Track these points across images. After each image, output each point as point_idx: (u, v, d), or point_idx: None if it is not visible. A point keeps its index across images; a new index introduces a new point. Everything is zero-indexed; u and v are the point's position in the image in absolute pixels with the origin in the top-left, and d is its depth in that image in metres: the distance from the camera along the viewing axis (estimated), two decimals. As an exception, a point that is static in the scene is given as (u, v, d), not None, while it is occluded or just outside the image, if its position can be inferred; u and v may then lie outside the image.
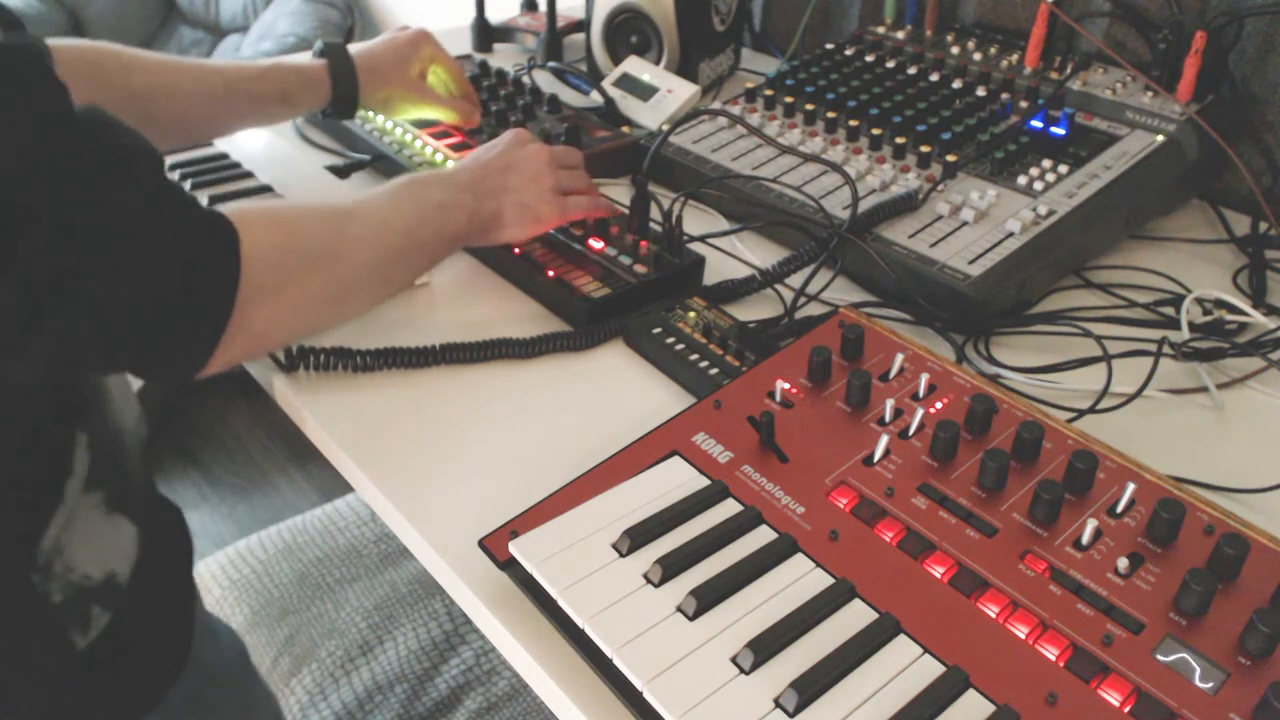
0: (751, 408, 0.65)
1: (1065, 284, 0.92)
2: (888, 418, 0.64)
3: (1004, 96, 1.08)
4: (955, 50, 1.17)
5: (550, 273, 0.84)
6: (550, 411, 0.73)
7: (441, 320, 0.83)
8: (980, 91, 1.09)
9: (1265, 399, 0.77)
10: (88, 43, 0.79)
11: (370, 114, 1.07)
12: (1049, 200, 0.91)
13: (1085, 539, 0.54)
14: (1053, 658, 0.49)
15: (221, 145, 1.07)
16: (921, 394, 0.66)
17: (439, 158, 1.01)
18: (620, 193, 1.03)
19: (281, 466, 2.26)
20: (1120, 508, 0.56)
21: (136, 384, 0.76)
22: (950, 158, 0.98)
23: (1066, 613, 0.51)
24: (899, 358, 0.68)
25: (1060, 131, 1.01)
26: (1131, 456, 0.60)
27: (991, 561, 0.54)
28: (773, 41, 1.50)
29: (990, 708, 0.47)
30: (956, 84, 1.11)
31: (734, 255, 0.94)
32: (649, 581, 0.53)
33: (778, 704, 0.47)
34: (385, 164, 1.04)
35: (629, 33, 1.28)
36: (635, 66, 1.24)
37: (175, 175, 0.99)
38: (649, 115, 1.18)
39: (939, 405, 0.65)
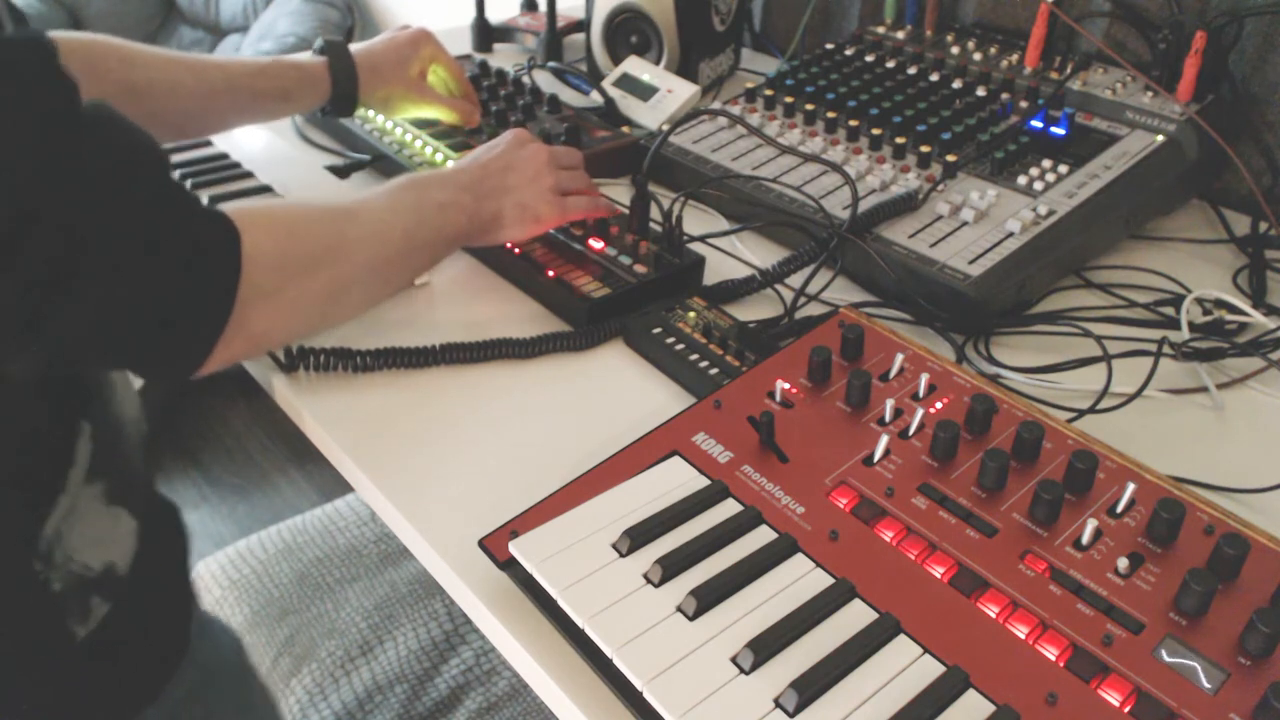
0: (751, 408, 0.65)
1: (1065, 284, 0.92)
2: (888, 418, 0.64)
3: (1004, 96, 1.08)
4: (955, 50, 1.17)
5: (550, 273, 0.84)
6: (550, 411, 0.73)
7: (441, 320, 0.83)
8: (980, 91, 1.09)
9: (1265, 399, 0.77)
10: (88, 36, 0.79)
11: (370, 113, 1.07)
12: (1049, 200, 0.91)
13: (1085, 539, 0.54)
14: (1053, 658, 0.49)
15: (221, 145, 1.07)
16: (921, 394, 0.66)
17: (439, 158, 1.01)
18: (620, 193, 1.03)
19: (281, 466, 2.26)
20: (1120, 508, 0.56)
21: (138, 382, 0.76)
22: (950, 158, 0.98)
23: (1066, 613, 0.51)
24: (899, 358, 0.68)
25: (1060, 131, 1.01)
26: (1131, 456, 0.60)
27: (991, 561, 0.54)
28: (773, 41, 1.50)
29: (990, 708, 0.47)
30: (956, 84, 1.11)
31: (734, 255, 0.94)
32: (649, 581, 0.53)
33: (778, 704, 0.47)
34: (385, 164, 1.04)
35: (629, 33, 1.28)
36: (635, 66, 1.24)
37: (175, 175, 0.99)
38: (649, 115, 1.18)
39: (939, 405, 0.65)
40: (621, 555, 0.55)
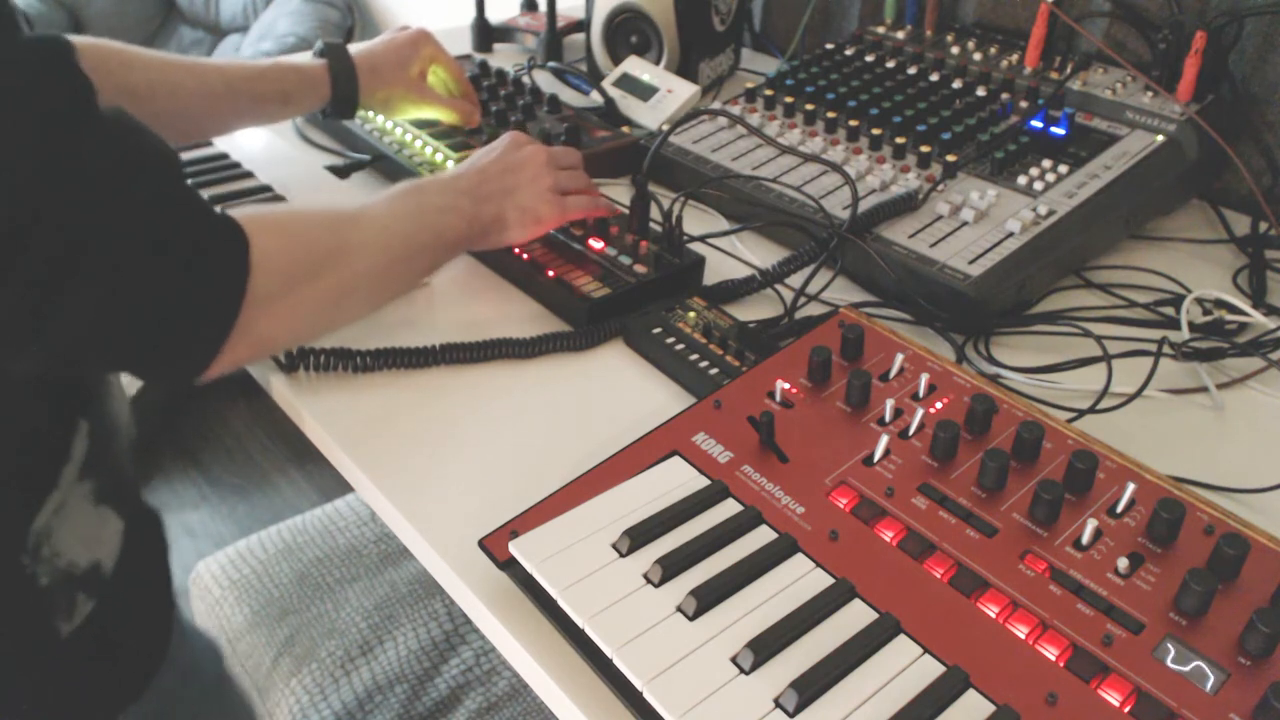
0: (751, 408, 0.65)
1: (1065, 284, 0.92)
2: (888, 418, 0.64)
3: (1004, 96, 1.08)
4: (955, 50, 1.17)
5: (550, 273, 0.84)
6: (550, 411, 0.73)
7: (441, 320, 0.83)
8: (980, 91, 1.09)
9: (1265, 399, 0.77)
10: (88, 39, 0.79)
11: (370, 114, 1.07)
12: (1049, 200, 0.91)
13: (1085, 539, 0.54)
14: (1053, 658, 0.49)
15: (221, 145, 1.07)
16: (921, 394, 0.66)
17: (439, 158, 1.01)
18: (620, 193, 1.03)
19: (281, 466, 2.26)
20: (1120, 508, 0.56)
21: (134, 386, 0.77)
22: (950, 158, 0.98)
23: (1066, 613, 0.51)
24: (899, 358, 0.68)
25: (1060, 131, 1.01)
26: (1131, 456, 0.60)
27: (991, 561, 0.54)
28: (773, 41, 1.50)
29: (990, 708, 0.47)
30: (956, 84, 1.11)
31: (734, 255, 0.94)
32: (649, 581, 0.53)
33: (778, 704, 0.47)
34: (385, 164, 1.04)
35: (629, 33, 1.28)
36: (635, 66, 1.24)
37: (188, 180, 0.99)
38: (649, 115, 1.18)
39: (939, 405, 0.65)
40: (621, 555, 0.55)
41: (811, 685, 0.47)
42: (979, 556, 0.54)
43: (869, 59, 1.19)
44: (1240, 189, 1.04)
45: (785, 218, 0.93)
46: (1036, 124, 1.03)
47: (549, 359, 0.78)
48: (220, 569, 1.34)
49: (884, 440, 0.61)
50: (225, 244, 0.58)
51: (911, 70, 1.16)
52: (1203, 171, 1.00)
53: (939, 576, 0.53)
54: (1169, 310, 0.87)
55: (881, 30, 1.24)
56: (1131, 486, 0.57)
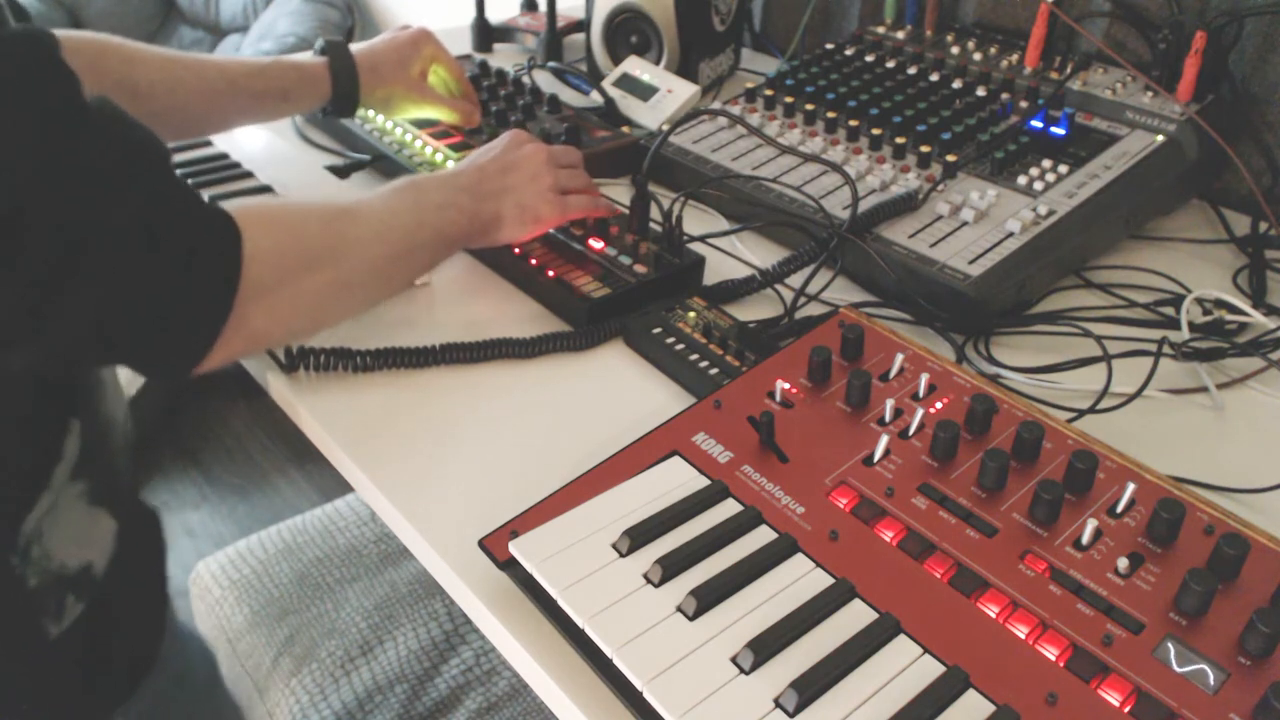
0: (751, 408, 0.65)
1: (1065, 284, 0.92)
2: (888, 418, 0.64)
3: (1004, 96, 1.08)
4: (955, 50, 1.17)
5: (550, 273, 0.84)
6: (550, 411, 0.73)
7: (441, 320, 0.83)
8: (980, 91, 1.09)
9: (1265, 399, 0.77)
10: (88, 34, 0.79)
11: (370, 113, 1.07)
12: (1049, 200, 0.91)
13: (1085, 539, 0.54)
14: (1053, 658, 0.49)
15: (221, 145, 1.07)
16: (921, 394, 0.66)
17: (439, 158, 1.01)
18: (620, 193, 1.03)
19: (281, 466, 2.26)
20: (1120, 508, 0.56)
21: (133, 386, 0.76)
22: (950, 158, 0.97)
23: (1066, 613, 0.51)
24: (899, 358, 0.68)
25: (1060, 131, 1.01)
26: (1131, 456, 0.60)
27: (991, 561, 0.54)
28: (773, 41, 1.50)
29: (990, 708, 0.47)
30: (956, 84, 1.11)
31: (734, 255, 0.94)
32: (649, 581, 0.53)
33: (778, 704, 0.47)
34: (385, 164, 1.04)
35: (629, 33, 1.28)
36: (635, 66, 1.24)
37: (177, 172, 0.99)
38: (649, 115, 1.18)
39: (939, 405, 0.65)
40: (621, 555, 0.55)
41: (811, 685, 0.47)
42: (979, 556, 0.54)
43: (869, 59, 1.19)
44: (1240, 189, 1.04)
45: (785, 218, 0.93)
46: (1036, 124, 1.03)
47: (549, 359, 0.78)
48: (220, 569, 1.34)
49: (884, 440, 0.61)
50: (217, 236, 0.58)
51: (911, 70, 1.16)
52: (1203, 171, 1.00)
53: (939, 576, 0.53)
54: (1169, 310, 0.87)
55: (881, 30, 1.24)
56: (1131, 486, 0.57)
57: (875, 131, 1.01)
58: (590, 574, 0.53)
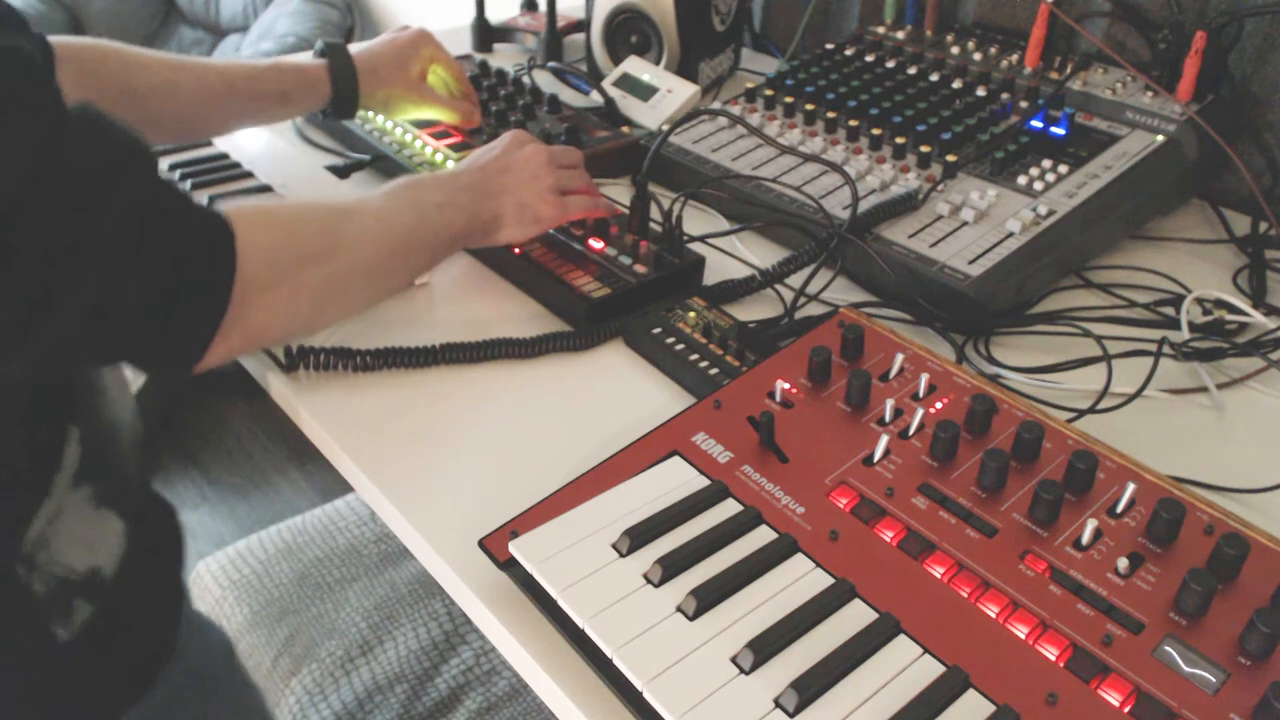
0: (751, 408, 0.65)
1: (1065, 284, 0.92)
2: (888, 418, 0.64)
3: (1004, 96, 1.08)
4: (955, 50, 1.17)
5: (550, 273, 0.84)
6: (550, 411, 0.73)
7: (441, 320, 0.83)
8: (980, 91, 1.09)
9: (1265, 399, 0.77)
10: (88, 40, 0.79)
11: (370, 114, 1.07)
12: (1049, 200, 0.91)
13: (1085, 539, 0.54)
14: (1053, 658, 0.49)
15: (221, 145, 1.07)
16: (921, 394, 0.66)
17: (439, 158, 1.01)
18: (620, 193, 1.03)
19: (281, 466, 2.26)
20: (1120, 508, 0.56)
21: (136, 383, 0.76)
22: (950, 158, 0.97)
23: (1066, 613, 0.51)
24: (899, 358, 0.68)
25: (1060, 131, 1.01)
26: (1131, 456, 0.60)
27: (991, 561, 0.54)
28: (773, 41, 1.50)
29: (990, 708, 0.47)
30: (956, 84, 1.11)
31: (734, 255, 0.94)
32: (649, 581, 0.53)
33: (778, 704, 0.47)
34: (385, 164, 1.04)
35: (629, 33, 1.28)
36: (635, 66, 1.24)
37: (175, 175, 0.99)
38: (649, 115, 1.18)
39: (939, 405, 0.65)
40: (621, 555, 0.55)
41: (811, 685, 0.47)
42: (979, 556, 0.54)
43: (869, 59, 1.19)
44: (1240, 189, 1.04)
45: (785, 218, 0.93)
46: (1036, 124, 1.03)
47: (549, 359, 0.78)
48: (220, 569, 1.34)
49: (884, 440, 0.61)
50: (209, 234, 0.58)
51: (911, 70, 1.16)
52: (1203, 171, 1.00)
53: (939, 576, 0.53)
54: (1169, 310, 0.87)
55: (881, 30, 1.24)
56: (1131, 486, 0.57)
57: (875, 131, 1.01)
58: (590, 574, 0.53)
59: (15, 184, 0.49)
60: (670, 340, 0.77)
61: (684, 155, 1.04)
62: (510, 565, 0.55)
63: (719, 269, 0.90)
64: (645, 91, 1.21)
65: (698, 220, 1.00)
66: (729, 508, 0.58)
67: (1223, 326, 0.84)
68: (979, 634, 0.50)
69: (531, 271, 0.85)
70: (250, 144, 1.08)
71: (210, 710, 0.81)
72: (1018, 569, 0.53)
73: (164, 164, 1.00)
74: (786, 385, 0.66)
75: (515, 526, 0.57)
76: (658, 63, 1.26)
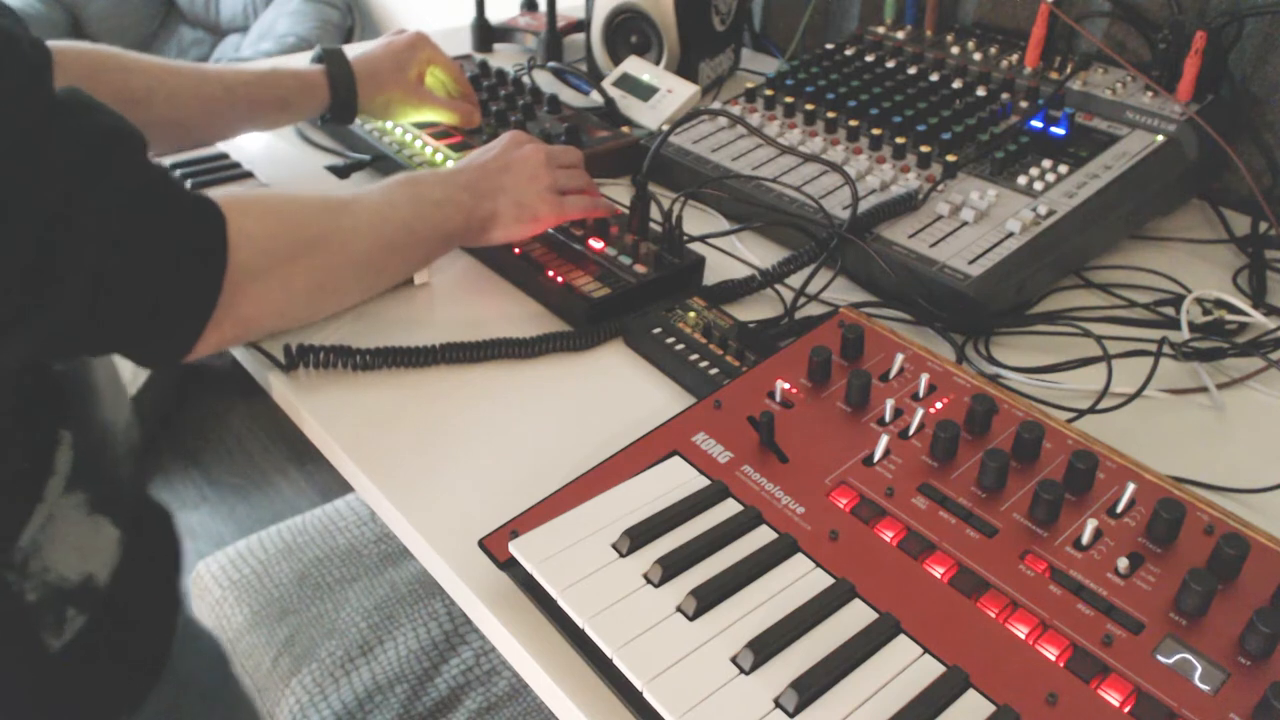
0: (751, 408, 0.65)
1: (1065, 284, 0.92)
2: (888, 418, 0.64)
3: (1004, 96, 1.08)
4: (955, 50, 1.17)
5: (550, 272, 0.84)
6: (550, 411, 0.73)
7: (441, 320, 0.83)
8: (980, 91, 1.09)
9: (1265, 399, 0.77)
10: (87, 45, 0.79)
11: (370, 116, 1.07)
12: (1049, 200, 0.91)
13: (1085, 539, 0.54)
14: (1053, 658, 0.49)
15: (221, 145, 1.07)
16: (921, 394, 0.66)
17: (439, 157, 1.01)
18: (620, 193, 1.03)
19: (281, 466, 2.26)
20: (1120, 508, 0.56)
21: (133, 385, 0.75)
22: (950, 158, 0.97)
23: (1066, 613, 0.51)
24: (899, 358, 0.68)
25: (1060, 131, 1.01)
26: (1131, 456, 0.60)
27: (991, 561, 0.54)
28: (773, 41, 1.50)
29: (990, 708, 0.47)
30: (956, 84, 1.11)
31: (734, 255, 0.94)
32: (649, 581, 0.53)
33: (778, 704, 0.47)
34: (385, 164, 1.04)
35: (629, 33, 1.28)
36: (635, 66, 1.24)
37: (176, 174, 0.99)
38: (649, 115, 1.18)
39: (939, 405, 0.65)
40: (621, 555, 0.55)
41: (811, 685, 0.47)
42: (979, 556, 0.54)
43: (869, 59, 1.19)
44: (1240, 189, 1.04)
45: (785, 218, 0.93)
46: (1036, 124, 1.03)
47: (549, 359, 0.78)
48: (220, 569, 1.34)
49: (884, 440, 0.61)
50: (200, 221, 0.58)
51: (911, 70, 1.16)
52: (1203, 171, 1.00)
53: (939, 576, 0.53)
54: (1169, 310, 0.87)
55: (881, 30, 1.24)
56: (1131, 486, 0.57)
57: (875, 131, 1.01)
58: (590, 574, 0.53)
59: (13, 169, 0.49)
60: (670, 340, 0.77)
61: (684, 155, 1.04)
62: (510, 565, 0.55)
63: (719, 269, 0.90)
64: (645, 91, 1.21)
65: (698, 220, 1.00)
66: (729, 508, 0.58)
67: (1223, 326, 0.84)
68: (979, 634, 0.50)
69: (532, 271, 0.85)
70: (250, 144, 1.08)
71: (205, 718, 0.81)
72: (1018, 569, 0.53)
73: (164, 164, 1.00)
74: (786, 385, 0.66)
75: (515, 526, 0.57)
76: (658, 63, 1.26)
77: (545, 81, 1.31)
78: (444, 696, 1.16)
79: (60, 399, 0.65)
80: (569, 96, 1.27)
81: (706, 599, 0.51)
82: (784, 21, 1.49)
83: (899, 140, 1.00)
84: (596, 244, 0.86)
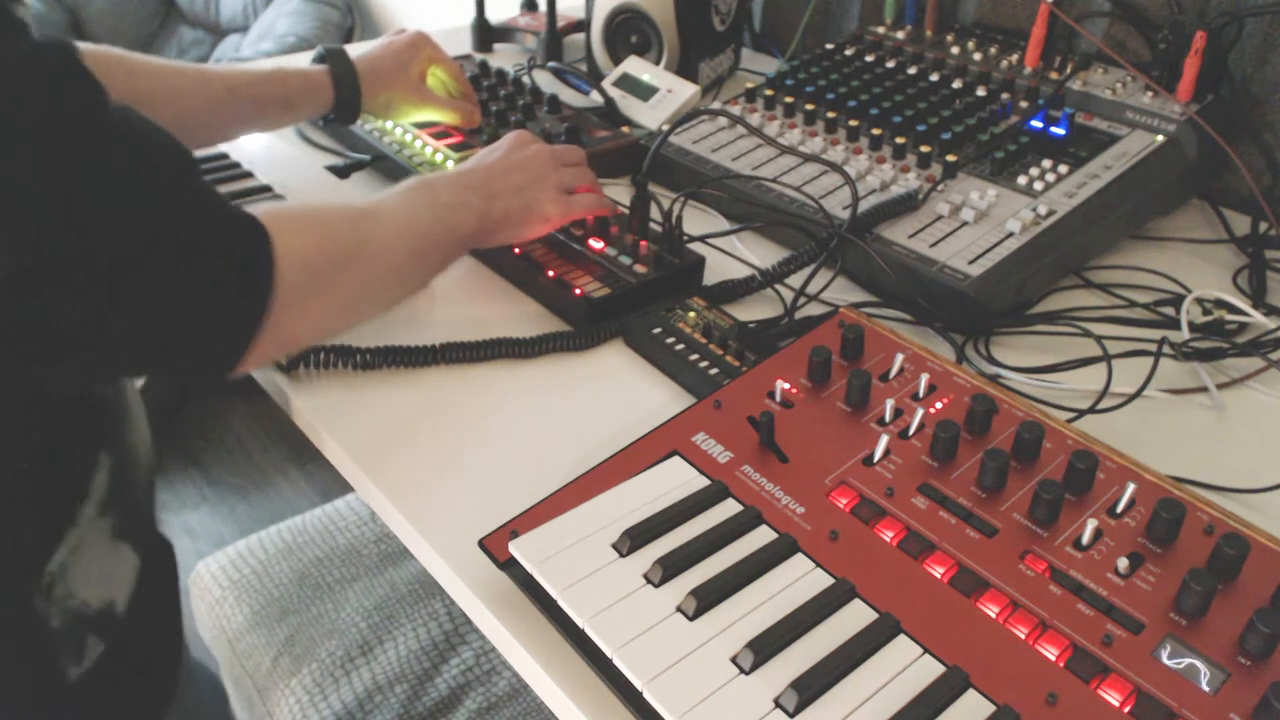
0: (751, 408, 0.65)
1: (1065, 284, 0.92)
2: (888, 418, 0.64)
3: (1004, 96, 1.08)
4: (955, 50, 1.17)
5: (550, 272, 0.84)
6: (550, 411, 0.73)
7: (442, 320, 0.83)
8: (980, 91, 1.09)
9: (1265, 399, 0.77)
10: (90, 46, 0.79)
11: (371, 116, 1.07)
12: (1049, 200, 0.91)
13: (1085, 539, 0.54)
14: (1053, 658, 0.49)
15: (222, 145, 1.07)
16: (921, 394, 0.66)
17: (439, 158, 1.01)
18: (620, 193, 1.03)
19: (281, 466, 2.26)
20: (1120, 508, 0.56)
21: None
22: (950, 158, 0.97)
23: (1066, 613, 0.51)
24: (899, 358, 0.68)
25: (1060, 131, 1.01)
26: (1131, 456, 0.60)
27: (991, 561, 0.54)
28: (773, 41, 1.50)
29: (990, 708, 0.47)
30: (956, 84, 1.11)
31: (734, 255, 0.94)
32: (649, 581, 0.53)
33: (778, 704, 0.47)
34: (385, 164, 1.04)
35: (629, 33, 1.28)
36: (635, 66, 1.24)
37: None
38: (649, 115, 1.18)
39: (939, 405, 0.65)
40: (621, 555, 0.55)
41: (811, 685, 0.47)
42: (979, 556, 0.54)
43: (869, 59, 1.19)
44: (1240, 189, 1.04)
45: (785, 218, 0.93)
46: (1036, 124, 1.03)
47: (549, 359, 0.78)
48: (220, 569, 1.34)
49: (884, 440, 0.61)
50: (248, 241, 0.57)
51: (911, 70, 1.16)
52: (1203, 171, 1.00)
53: (939, 576, 0.53)
54: (1169, 310, 0.87)
55: (881, 30, 1.24)
56: (1131, 486, 0.57)
57: (875, 131, 1.01)
58: (590, 574, 0.53)
59: (63, 193, 0.48)
60: (670, 340, 0.77)
61: (684, 155, 1.04)
62: (510, 565, 0.55)
63: (719, 269, 0.90)
64: (645, 91, 1.21)
65: (698, 220, 1.00)
66: (729, 508, 0.58)
67: (1223, 326, 0.84)
68: (979, 634, 0.50)
69: (532, 271, 0.85)
70: (250, 144, 1.08)
71: None
72: (1018, 569, 0.53)
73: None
74: (786, 385, 0.66)
75: (515, 526, 0.57)
76: (658, 63, 1.26)
77: (545, 81, 1.31)
78: (444, 696, 1.16)
79: (100, 421, 0.64)
80: (569, 96, 1.27)
81: (706, 599, 0.51)
82: (784, 21, 1.49)
83: (899, 140, 1.00)
84: (596, 244, 0.86)
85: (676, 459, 0.62)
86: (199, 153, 1.02)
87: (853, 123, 1.05)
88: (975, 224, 0.89)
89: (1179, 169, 0.96)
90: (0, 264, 0.47)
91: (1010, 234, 0.87)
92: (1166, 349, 0.79)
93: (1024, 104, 1.07)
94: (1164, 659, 0.48)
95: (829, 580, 0.53)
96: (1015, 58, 1.12)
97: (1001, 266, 0.83)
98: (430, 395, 0.74)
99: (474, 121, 1.06)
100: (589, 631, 0.50)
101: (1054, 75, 1.07)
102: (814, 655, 0.49)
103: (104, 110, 0.51)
